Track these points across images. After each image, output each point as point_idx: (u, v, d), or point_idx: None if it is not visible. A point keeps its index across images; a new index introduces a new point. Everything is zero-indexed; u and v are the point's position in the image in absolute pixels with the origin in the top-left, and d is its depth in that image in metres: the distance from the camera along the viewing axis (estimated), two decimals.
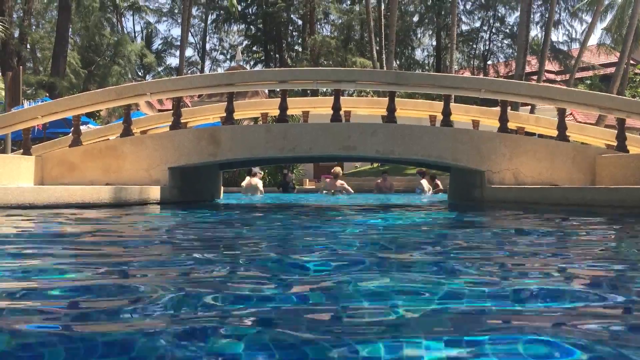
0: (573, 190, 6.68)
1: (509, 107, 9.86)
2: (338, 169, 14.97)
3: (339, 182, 14.81)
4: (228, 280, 2.15)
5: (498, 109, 10.64)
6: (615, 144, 9.52)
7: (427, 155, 8.39)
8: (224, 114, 9.20)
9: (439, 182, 18.05)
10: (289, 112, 9.38)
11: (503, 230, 4.48)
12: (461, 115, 10.55)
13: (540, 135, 11.69)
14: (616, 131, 10.11)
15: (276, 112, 10.02)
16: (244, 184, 15.04)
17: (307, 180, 26.09)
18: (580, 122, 23.39)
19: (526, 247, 3.24)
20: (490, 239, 3.72)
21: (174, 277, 2.24)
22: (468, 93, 9.06)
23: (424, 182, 16.78)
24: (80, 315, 1.63)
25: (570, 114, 26.81)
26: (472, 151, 8.21)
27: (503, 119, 8.53)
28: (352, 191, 15.19)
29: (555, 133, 10.44)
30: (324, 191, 15.13)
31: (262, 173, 16.76)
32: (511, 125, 9.60)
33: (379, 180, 18.17)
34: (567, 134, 8.57)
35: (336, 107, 8.61)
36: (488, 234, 4.13)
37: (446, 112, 8.53)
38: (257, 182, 14.84)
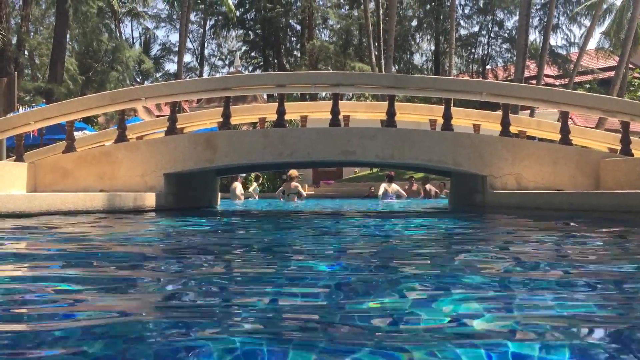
0: (578, 195, 6.51)
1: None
2: (293, 171, 15.36)
3: (294, 184, 15.26)
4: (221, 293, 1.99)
5: (499, 112, 10.51)
6: (617, 147, 9.39)
7: (428, 160, 8.23)
8: (221, 119, 9.04)
9: (430, 187, 17.80)
10: (287, 117, 9.23)
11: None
12: (462, 119, 10.39)
13: (540, 139, 11.54)
14: (618, 135, 10.00)
15: (274, 117, 9.86)
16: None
17: (307, 185, 25.93)
18: (577, 125, 23.26)
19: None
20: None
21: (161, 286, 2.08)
22: (469, 96, 8.91)
23: (383, 186, 16.47)
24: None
25: (570, 117, 26.64)
26: (473, 155, 8.05)
27: (505, 123, 8.37)
28: (305, 194, 15.72)
29: (556, 137, 10.31)
30: (281, 195, 15.55)
31: (243, 177, 17.17)
32: (512, 129, 9.45)
33: (406, 186, 18.18)
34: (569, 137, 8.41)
35: (335, 111, 8.45)
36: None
37: (447, 116, 8.37)
38: (237, 185, 15.68)
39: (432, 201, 15.03)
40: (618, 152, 8.85)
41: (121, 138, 8.57)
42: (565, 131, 8.24)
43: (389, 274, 2.40)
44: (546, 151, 8.15)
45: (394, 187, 16.58)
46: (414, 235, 4.81)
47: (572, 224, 5.17)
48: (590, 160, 7.94)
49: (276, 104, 8.88)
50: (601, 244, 3.73)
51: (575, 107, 8.41)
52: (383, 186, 16.55)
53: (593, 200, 6.15)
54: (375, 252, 3.38)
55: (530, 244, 3.73)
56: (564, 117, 8.39)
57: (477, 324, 1.49)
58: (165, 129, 9.18)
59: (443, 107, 9.00)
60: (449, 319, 1.58)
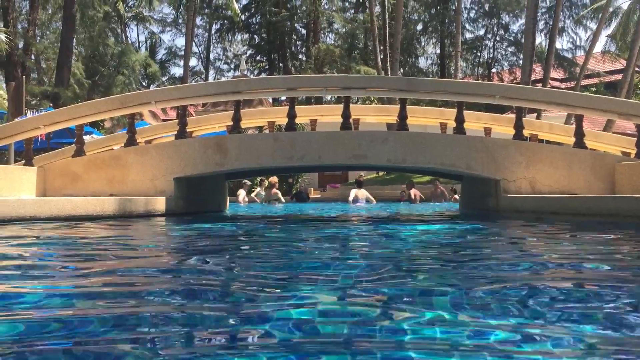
0: (595, 200, 6.41)
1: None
2: (273, 179, 16.23)
3: (274, 190, 16.17)
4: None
5: (510, 115, 10.40)
6: (630, 151, 9.27)
7: (440, 164, 8.14)
8: (230, 123, 8.98)
9: (415, 192, 17.41)
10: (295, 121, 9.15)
11: None
12: (473, 123, 10.29)
13: (548, 142, 11.41)
14: (631, 138, 9.88)
15: (283, 121, 9.79)
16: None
17: (312, 189, 25.88)
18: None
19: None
20: None
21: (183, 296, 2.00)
22: (482, 99, 8.81)
23: (353, 192, 16.54)
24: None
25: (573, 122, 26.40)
26: (486, 159, 7.96)
27: (518, 126, 8.27)
28: (283, 200, 16.53)
29: (568, 140, 10.19)
30: (263, 200, 16.51)
31: (250, 183, 18.08)
32: (524, 132, 9.35)
33: (431, 190, 18.04)
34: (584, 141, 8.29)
35: (346, 114, 8.38)
36: None
37: (459, 119, 8.28)
38: (240, 192, 16.47)
39: (419, 206, 14.47)
40: (632, 155, 8.74)
41: (131, 142, 8.52)
42: (579, 134, 8.14)
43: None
44: (561, 155, 8.04)
45: (363, 192, 16.69)
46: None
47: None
48: (605, 164, 7.82)
49: (285, 107, 8.81)
50: None
51: (590, 110, 8.29)
52: (353, 191, 16.66)
53: (611, 205, 6.04)
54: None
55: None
56: (578, 121, 8.28)
57: None
58: (174, 132, 9.12)
59: (454, 110, 8.92)
60: None
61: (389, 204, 16.13)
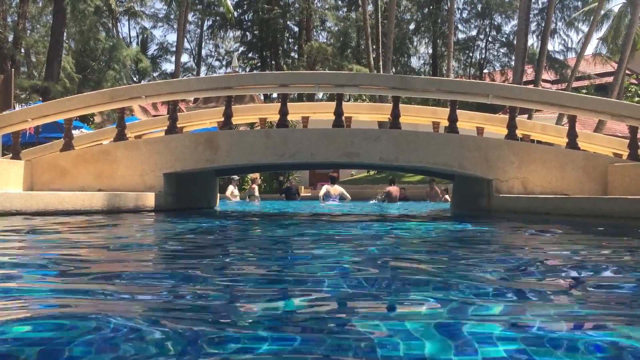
0: (588, 201, 6.38)
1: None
2: (254, 175, 16.78)
3: (253, 186, 16.67)
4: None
5: (502, 115, 10.39)
6: (622, 152, 9.28)
7: (433, 163, 8.10)
8: (221, 119, 8.89)
9: (391, 189, 16.78)
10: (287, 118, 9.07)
11: None
12: (465, 122, 10.26)
13: (539, 142, 11.43)
14: (622, 140, 9.91)
15: (274, 117, 9.70)
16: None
17: (303, 187, 25.81)
18: None
19: None
20: None
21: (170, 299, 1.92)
22: (476, 99, 8.77)
23: (325, 187, 15.32)
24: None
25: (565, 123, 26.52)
26: (479, 159, 7.92)
27: (511, 126, 8.24)
28: (258, 196, 16.83)
29: (560, 141, 10.20)
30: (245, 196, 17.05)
31: (238, 178, 18.34)
32: (517, 132, 9.33)
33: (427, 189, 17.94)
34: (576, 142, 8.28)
35: (338, 112, 8.31)
36: None
37: (452, 118, 8.24)
38: (229, 188, 16.61)
39: (395, 205, 14.11)
40: (624, 156, 8.74)
41: (120, 137, 8.41)
42: (572, 135, 8.12)
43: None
44: (553, 155, 8.02)
45: (337, 188, 15.35)
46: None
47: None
48: (597, 165, 7.81)
49: (276, 104, 8.73)
50: None
51: (583, 111, 8.27)
52: (325, 187, 15.35)
53: (604, 206, 6.02)
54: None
55: None
56: (571, 121, 8.26)
57: None
58: (164, 128, 9.02)
59: (447, 109, 8.89)
60: None
61: (360, 202, 15.68)
